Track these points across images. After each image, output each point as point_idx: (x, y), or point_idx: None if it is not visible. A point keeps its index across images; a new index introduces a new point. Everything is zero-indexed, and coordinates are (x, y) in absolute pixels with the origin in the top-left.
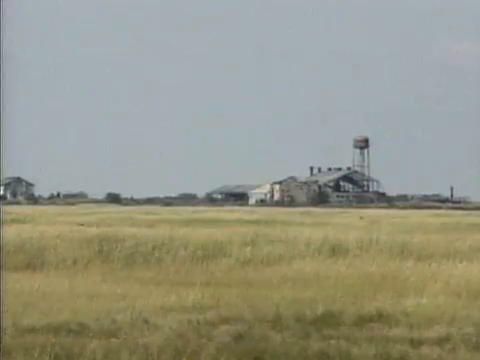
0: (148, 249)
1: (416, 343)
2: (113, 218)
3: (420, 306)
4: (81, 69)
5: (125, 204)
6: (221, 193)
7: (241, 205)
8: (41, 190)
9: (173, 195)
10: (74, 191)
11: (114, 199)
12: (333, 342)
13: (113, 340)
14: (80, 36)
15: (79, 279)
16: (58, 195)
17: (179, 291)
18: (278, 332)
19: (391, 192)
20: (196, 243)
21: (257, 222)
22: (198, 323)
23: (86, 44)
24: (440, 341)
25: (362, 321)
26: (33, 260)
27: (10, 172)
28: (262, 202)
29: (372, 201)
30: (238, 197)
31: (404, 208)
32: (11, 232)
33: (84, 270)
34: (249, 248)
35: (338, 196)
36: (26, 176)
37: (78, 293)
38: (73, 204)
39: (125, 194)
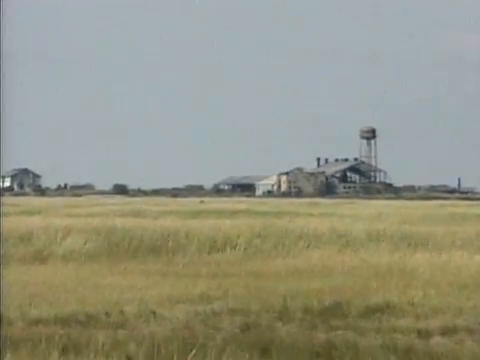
0: (155, 241)
1: (423, 334)
2: (120, 210)
3: (427, 297)
4: (87, 62)
5: (132, 195)
6: (228, 184)
7: (248, 196)
8: (48, 181)
9: (180, 186)
10: (81, 182)
11: (121, 190)
12: (340, 333)
13: (120, 331)
14: (84, 30)
15: (86, 270)
16: (65, 186)
17: (186, 282)
18: (285, 323)
19: (398, 183)
20: (203, 235)
21: (264, 213)
22: (205, 314)
23: (90, 38)
24: (447, 332)
25: (369, 312)
26: (41, 252)
27: (17, 163)
28: (269, 193)
29: (379, 192)
30: (245, 188)
31: (411, 199)
32: (19, 224)
33: (91, 262)
34: (256, 240)
35: (345, 187)
36: (33, 167)
37: (85, 284)
38: (80, 195)
39: (132, 185)
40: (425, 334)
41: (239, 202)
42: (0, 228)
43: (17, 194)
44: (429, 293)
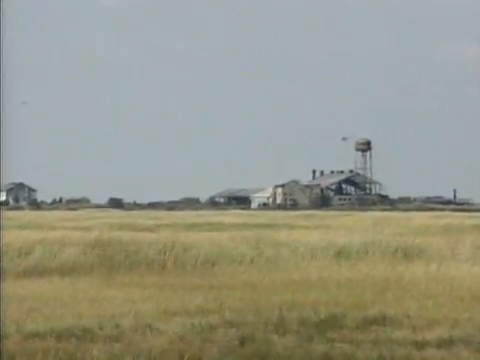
0: (151, 254)
1: (419, 345)
2: (116, 223)
3: (423, 308)
4: (82, 74)
5: (128, 209)
6: (224, 197)
7: (243, 209)
8: (44, 195)
9: (176, 199)
10: (77, 196)
11: (116, 204)
12: (337, 345)
13: (116, 345)
14: (80, 41)
15: (83, 284)
16: (60, 200)
17: (182, 295)
18: (281, 335)
19: (394, 195)
20: (199, 247)
21: (260, 226)
22: (201, 327)
23: (85, 49)
24: (443, 343)
25: (365, 324)
26: (37, 266)
27: (13, 177)
28: (264, 205)
29: (374, 204)
30: (241, 201)
31: (407, 210)
32: (15, 238)
33: (88, 275)
34: (252, 252)
35: (340, 199)
36: (29, 182)
37: (82, 298)
38: (75, 209)
39: (128, 199)
40: (422, 345)
41: (235, 214)
42: (0, 242)
43: (12, 208)
44: (425, 305)
